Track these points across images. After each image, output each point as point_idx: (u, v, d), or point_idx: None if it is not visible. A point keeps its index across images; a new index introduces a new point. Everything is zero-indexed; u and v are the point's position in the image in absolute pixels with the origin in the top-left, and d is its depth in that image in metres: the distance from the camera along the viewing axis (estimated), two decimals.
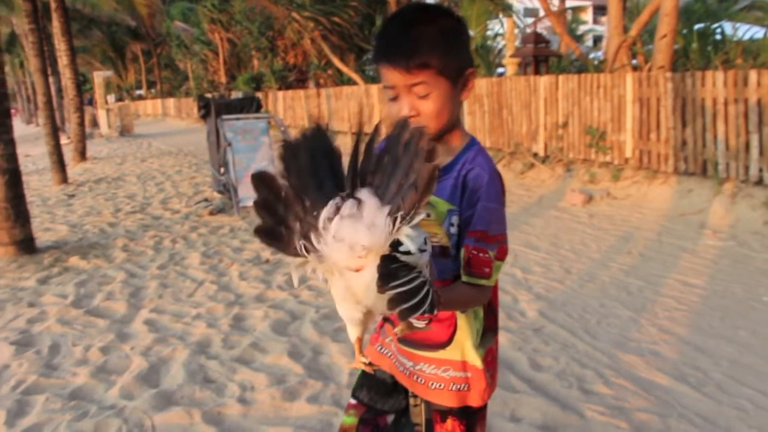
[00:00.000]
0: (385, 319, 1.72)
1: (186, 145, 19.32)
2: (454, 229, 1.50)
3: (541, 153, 9.59)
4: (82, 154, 15.69)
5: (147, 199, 9.70)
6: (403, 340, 1.66)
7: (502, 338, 3.91)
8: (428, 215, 1.50)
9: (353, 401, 1.78)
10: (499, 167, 10.14)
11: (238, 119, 8.41)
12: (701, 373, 3.37)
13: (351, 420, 1.77)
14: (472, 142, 1.55)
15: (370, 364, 1.61)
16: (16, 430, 3.06)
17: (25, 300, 5.02)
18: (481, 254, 1.46)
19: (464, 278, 1.48)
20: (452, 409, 1.64)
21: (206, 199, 9.11)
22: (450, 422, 1.68)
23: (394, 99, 1.48)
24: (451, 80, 1.47)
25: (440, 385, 1.61)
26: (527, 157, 9.79)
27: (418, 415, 1.76)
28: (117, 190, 10.87)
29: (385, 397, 1.76)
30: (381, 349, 1.74)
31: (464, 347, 1.59)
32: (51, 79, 19.39)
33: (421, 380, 1.64)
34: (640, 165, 7.96)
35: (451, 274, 1.53)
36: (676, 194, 7.27)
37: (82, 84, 23.28)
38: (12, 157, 6.28)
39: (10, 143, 6.26)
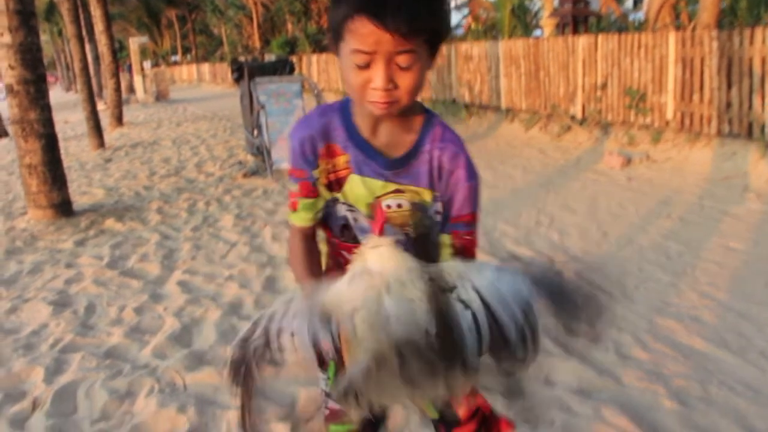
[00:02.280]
0: None
1: (221, 109, 19.38)
2: (438, 217, 1.43)
3: (579, 115, 9.35)
4: (119, 120, 15.85)
5: (182, 163, 9.76)
6: None
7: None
8: (418, 208, 1.43)
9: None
10: (536, 130, 10.00)
11: (271, 82, 8.35)
12: (744, 340, 3.26)
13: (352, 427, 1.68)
14: (431, 115, 1.42)
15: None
16: (54, 387, 3.11)
17: (62, 261, 5.10)
18: (471, 237, 1.42)
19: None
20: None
21: (240, 162, 9.13)
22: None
23: (364, 67, 1.19)
24: (433, 50, 1.25)
25: None
26: (564, 119, 9.56)
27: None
28: (152, 154, 10.96)
29: None
30: None
31: None
32: (88, 47, 19.57)
33: None
34: (682, 127, 7.71)
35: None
36: (718, 157, 7.03)
37: (118, 51, 23.43)
38: (48, 122, 6.33)
39: (46, 108, 6.30)
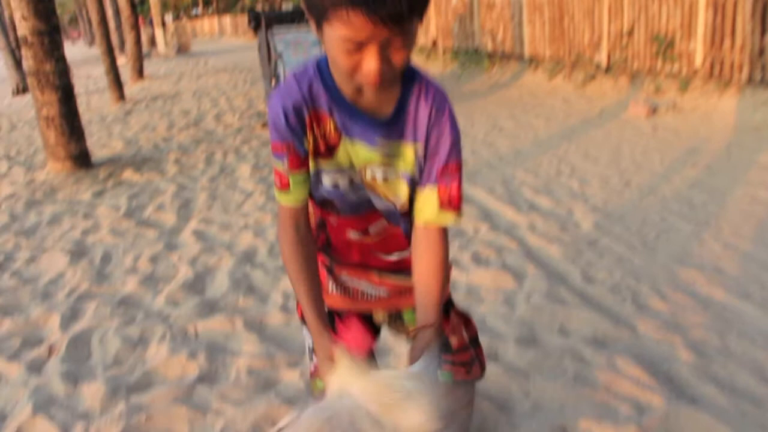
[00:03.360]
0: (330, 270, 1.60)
1: (242, 61, 19.23)
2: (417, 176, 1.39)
3: (604, 63, 9.08)
4: (140, 73, 15.81)
5: (201, 115, 9.72)
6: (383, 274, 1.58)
7: (554, 249, 3.77)
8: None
9: None
10: (559, 79, 9.75)
11: (288, 31, 8.20)
12: (767, 291, 3.17)
13: None
14: (412, 69, 1.32)
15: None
16: (69, 333, 3.14)
17: (80, 212, 5.12)
18: (457, 187, 1.36)
19: (439, 218, 1.37)
20: (448, 301, 1.65)
21: (259, 113, 9.06)
22: (453, 314, 1.68)
23: (355, 51, 1.10)
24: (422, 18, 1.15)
25: None
26: (589, 68, 9.30)
27: (405, 330, 1.72)
28: (172, 106, 10.93)
29: (360, 337, 1.67)
30: (336, 290, 1.60)
31: None
32: (107, 0, 19.42)
33: (403, 293, 1.60)
34: (711, 75, 7.44)
35: (409, 227, 1.46)
36: (749, 106, 6.79)
37: (139, 4, 23.19)
38: (64, 73, 6.29)
39: (61, 59, 6.26)
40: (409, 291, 1.59)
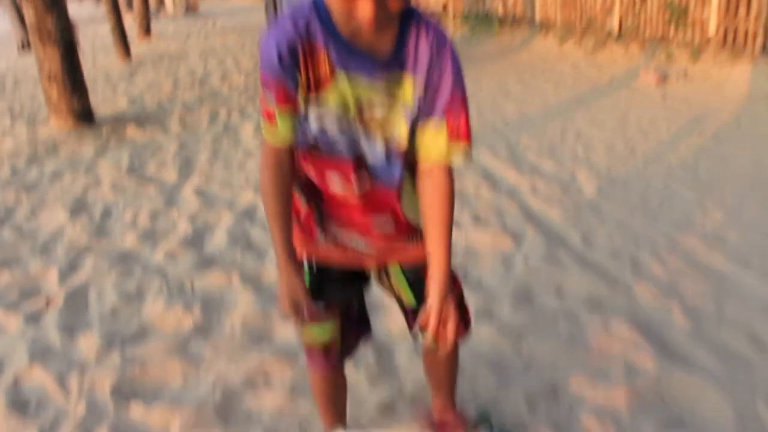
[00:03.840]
0: (320, 223, 1.57)
1: (250, 22, 19.02)
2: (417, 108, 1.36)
3: (615, 30, 8.93)
4: (147, 32, 15.66)
5: (207, 74, 9.64)
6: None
7: (555, 212, 3.74)
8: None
9: (320, 306, 1.60)
10: (570, 45, 9.61)
11: None
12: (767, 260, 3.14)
13: (330, 328, 1.67)
14: (411, 9, 1.31)
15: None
16: (67, 286, 3.15)
17: (82, 168, 5.12)
18: (465, 118, 1.36)
19: (448, 153, 1.37)
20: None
21: None
22: None
23: None
24: None
25: (417, 245, 1.57)
26: (600, 34, 9.15)
27: (390, 287, 1.70)
28: (178, 66, 10.84)
29: (349, 285, 1.66)
30: (327, 242, 1.57)
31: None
32: None
33: (395, 251, 1.58)
34: (724, 44, 7.31)
35: (399, 178, 1.44)
36: (762, 76, 6.67)
37: None
38: (66, 30, 6.22)
39: (63, 14, 6.18)
40: (397, 247, 1.58)
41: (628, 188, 4.12)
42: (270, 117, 1.33)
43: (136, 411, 2.25)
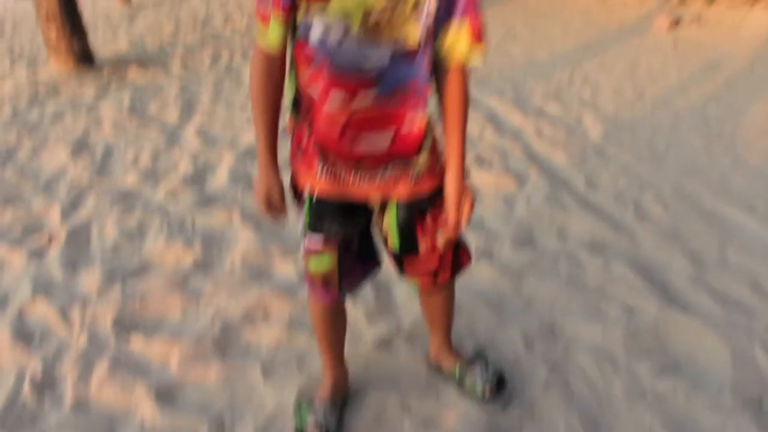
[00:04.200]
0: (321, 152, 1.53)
1: None
2: (433, 7, 1.36)
3: None
4: None
5: (209, 17, 9.46)
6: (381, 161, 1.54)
7: (559, 155, 3.71)
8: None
9: (318, 238, 1.62)
10: None
11: None
12: None
13: (328, 260, 1.66)
14: None
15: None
16: (69, 224, 3.16)
17: (83, 109, 5.06)
18: (480, 16, 1.41)
19: (470, 54, 1.43)
20: (432, 198, 1.61)
21: None
22: (430, 216, 1.63)
23: None
24: None
25: (418, 174, 1.56)
26: None
27: (381, 228, 1.70)
28: (180, 8, 10.64)
29: (349, 220, 1.64)
30: (325, 175, 1.55)
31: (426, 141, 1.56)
32: None
33: (398, 179, 1.56)
34: None
35: (414, 76, 1.42)
36: None
37: None
38: None
39: None
40: (400, 180, 1.55)
41: (635, 133, 4.07)
42: (264, 19, 1.38)
43: (137, 343, 2.27)
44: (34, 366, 2.19)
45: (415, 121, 1.47)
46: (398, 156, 1.51)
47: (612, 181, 3.37)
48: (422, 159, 1.55)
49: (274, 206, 1.56)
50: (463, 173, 1.58)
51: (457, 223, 1.59)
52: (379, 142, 1.47)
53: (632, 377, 2.02)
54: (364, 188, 1.56)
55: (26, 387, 2.10)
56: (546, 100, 4.74)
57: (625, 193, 3.25)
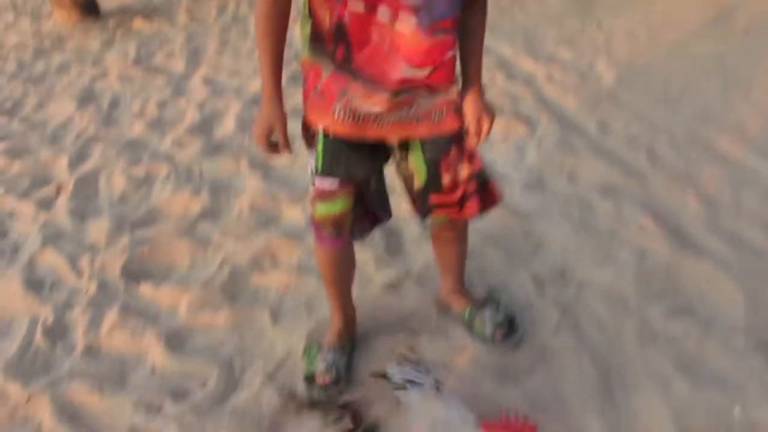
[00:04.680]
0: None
1: None
2: None
3: None
4: None
5: None
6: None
7: (571, 100, 3.64)
8: None
9: (333, 181, 1.59)
10: None
11: None
12: None
13: (342, 204, 1.63)
14: None
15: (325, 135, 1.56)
16: (77, 174, 3.15)
17: (88, 60, 5.02)
18: None
19: None
20: (454, 135, 1.59)
21: None
22: (455, 149, 1.61)
23: None
24: None
25: (441, 114, 1.55)
26: None
27: (406, 168, 1.67)
28: None
29: (366, 161, 1.61)
30: (343, 114, 1.51)
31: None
32: None
33: (420, 119, 1.54)
34: None
35: (452, 15, 1.41)
36: None
37: None
38: None
39: None
40: (422, 120, 1.52)
41: (650, 78, 3.97)
42: None
43: (146, 290, 2.28)
44: (46, 314, 2.20)
45: (447, 54, 1.46)
46: (435, 85, 1.49)
47: (625, 126, 3.30)
48: (451, 94, 1.54)
49: (277, 142, 1.53)
50: (482, 90, 1.60)
51: (477, 137, 1.60)
52: (419, 71, 1.44)
53: (644, 320, 2.01)
54: (385, 128, 1.52)
55: (38, 334, 2.12)
56: (558, 45, 4.63)
57: (638, 138, 3.18)
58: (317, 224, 1.69)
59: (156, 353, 2.00)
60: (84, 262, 2.46)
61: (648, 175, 2.82)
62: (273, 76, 1.49)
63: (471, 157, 1.64)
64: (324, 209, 1.64)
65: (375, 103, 1.46)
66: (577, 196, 2.67)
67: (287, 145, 1.54)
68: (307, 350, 1.90)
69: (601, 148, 3.07)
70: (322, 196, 1.62)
